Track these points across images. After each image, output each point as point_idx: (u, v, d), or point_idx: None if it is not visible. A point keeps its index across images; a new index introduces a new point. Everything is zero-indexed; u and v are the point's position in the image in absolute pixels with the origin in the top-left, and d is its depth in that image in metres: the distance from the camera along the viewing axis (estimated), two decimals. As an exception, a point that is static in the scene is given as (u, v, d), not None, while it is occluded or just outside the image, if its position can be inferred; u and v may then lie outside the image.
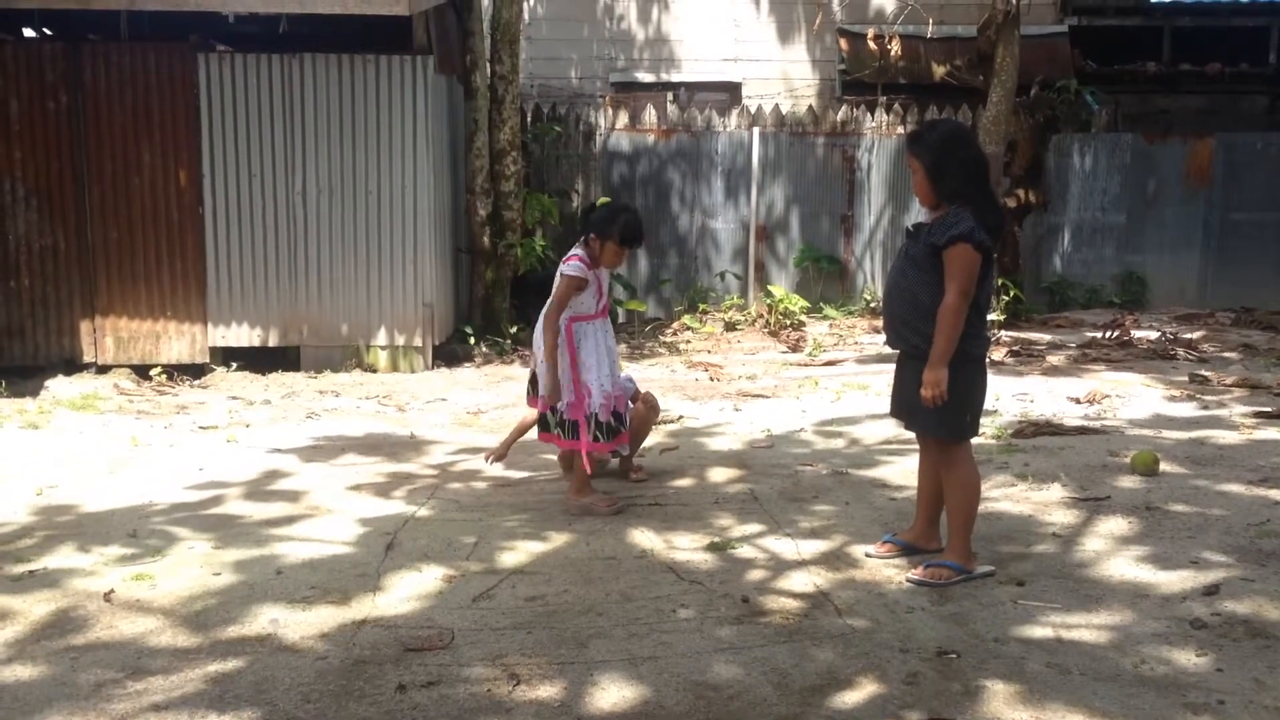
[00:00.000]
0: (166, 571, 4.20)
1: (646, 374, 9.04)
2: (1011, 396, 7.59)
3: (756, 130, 12.62)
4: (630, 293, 12.12)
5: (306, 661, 3.38)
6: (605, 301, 5.10)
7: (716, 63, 14.93)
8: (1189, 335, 10.51)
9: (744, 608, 3.82)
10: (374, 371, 9.41)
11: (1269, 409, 6.91)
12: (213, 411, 7.70)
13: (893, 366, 4.34)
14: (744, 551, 4.42)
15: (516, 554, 4.40)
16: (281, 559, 4.35)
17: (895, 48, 13.40)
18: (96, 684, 3.24)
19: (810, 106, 13.28)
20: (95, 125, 9.10)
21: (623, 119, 12.67)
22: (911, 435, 4.48)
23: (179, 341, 9.34)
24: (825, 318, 12.12)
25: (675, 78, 14.91)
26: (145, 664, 3.37)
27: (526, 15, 13.76)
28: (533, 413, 5.28)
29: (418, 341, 9.52)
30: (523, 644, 3.50)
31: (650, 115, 12.71)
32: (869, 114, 12.84)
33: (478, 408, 7.77)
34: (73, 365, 9.16)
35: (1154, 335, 10.38)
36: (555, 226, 11.83)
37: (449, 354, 10.03)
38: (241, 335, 9.37)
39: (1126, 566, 4.17)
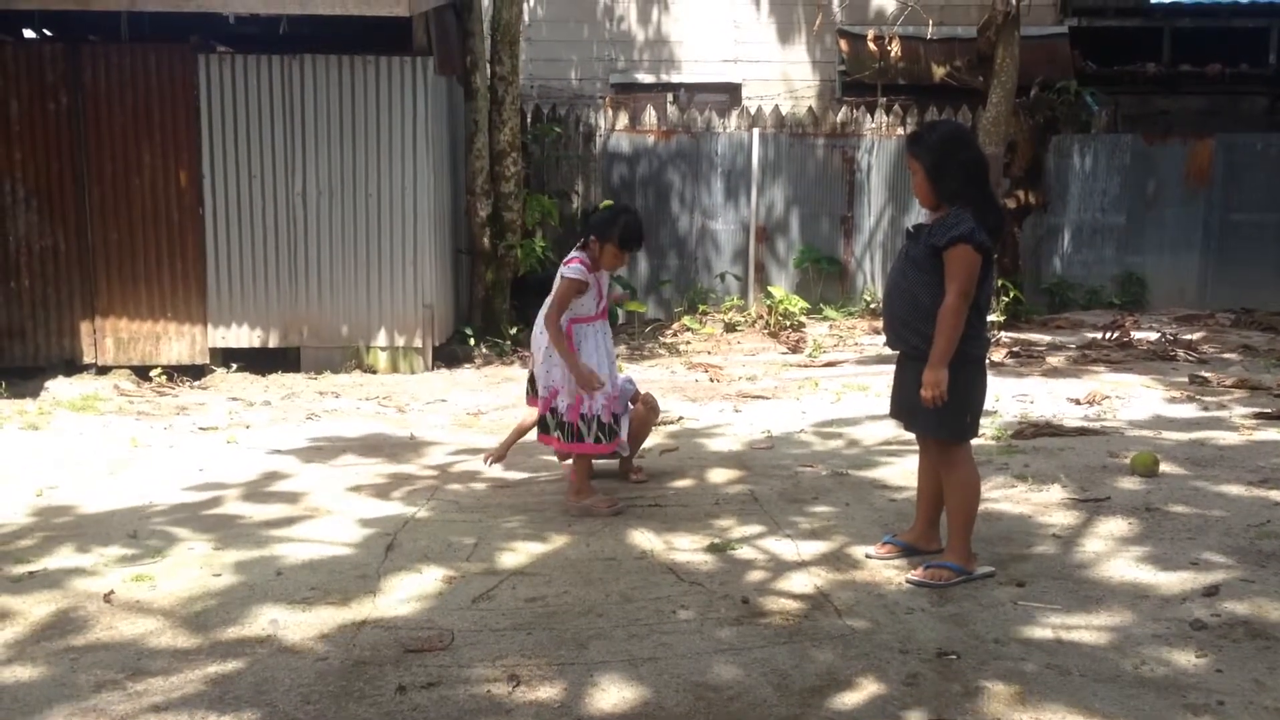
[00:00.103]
0: (166, 572, 4.20)
1: (646, 375, 9.04)
2: (1011, 397, 7.59)
3: (756, 131, 12.63)
4: (630, 293, 12.12)
5: (306, 662, 3.38)
6: (605, 304, 5.11)
7: (716, 64, 14.94)
8: (1189, 336, 10.51)
9: (744, 609, 3.82)
10: (374, 372, 9.41)
11: (1269, 410, 6.91)
12: (213, 412, 7.70)
13: (893, 367, 4.34)
14: (744, 552, 4.42)
15: (516, 555, 4.40)
16: (281, 560, 4.35)
17: (895, 49, 13.41)
18: (96, 685, 3.24)
19: (810, 107, 13.28)
20: (95, 126, 9.11)
21: (623, 120, 12.68)
22: (911, 436, 4.48)
23: (179, 342, 9.34)
24: (825, 319, 12.12)
25: (675, 79, 14.91)
26: (145, 665, 3.37)
27: (526, 16, 13.76)
28: (532, 414, 5.28)
29: (418, 343, 9.52)
30: (523, 645, 3.51)
31: (650, 116, 12.72)
32: (869, 115, 12.85)
33: (478, 409, 7.77)
34: (73, 366, 9.16)
35: (1154, 336, 10.38)
36: (555, 228, 11.84)
37: (449, 355, 10.03)
38: (241, 336, 9.37)
39: (1126, 567, 4.17)
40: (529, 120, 12.25)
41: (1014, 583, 4.03)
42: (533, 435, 5.32)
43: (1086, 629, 3.61)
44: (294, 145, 9.26)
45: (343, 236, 9.35)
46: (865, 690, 3.18)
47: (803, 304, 11.97)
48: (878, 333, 10.96)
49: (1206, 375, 8.28)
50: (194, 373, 9.30)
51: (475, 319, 10.72)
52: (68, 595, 3.96)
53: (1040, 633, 3.59)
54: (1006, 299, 11.29)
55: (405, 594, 3.97)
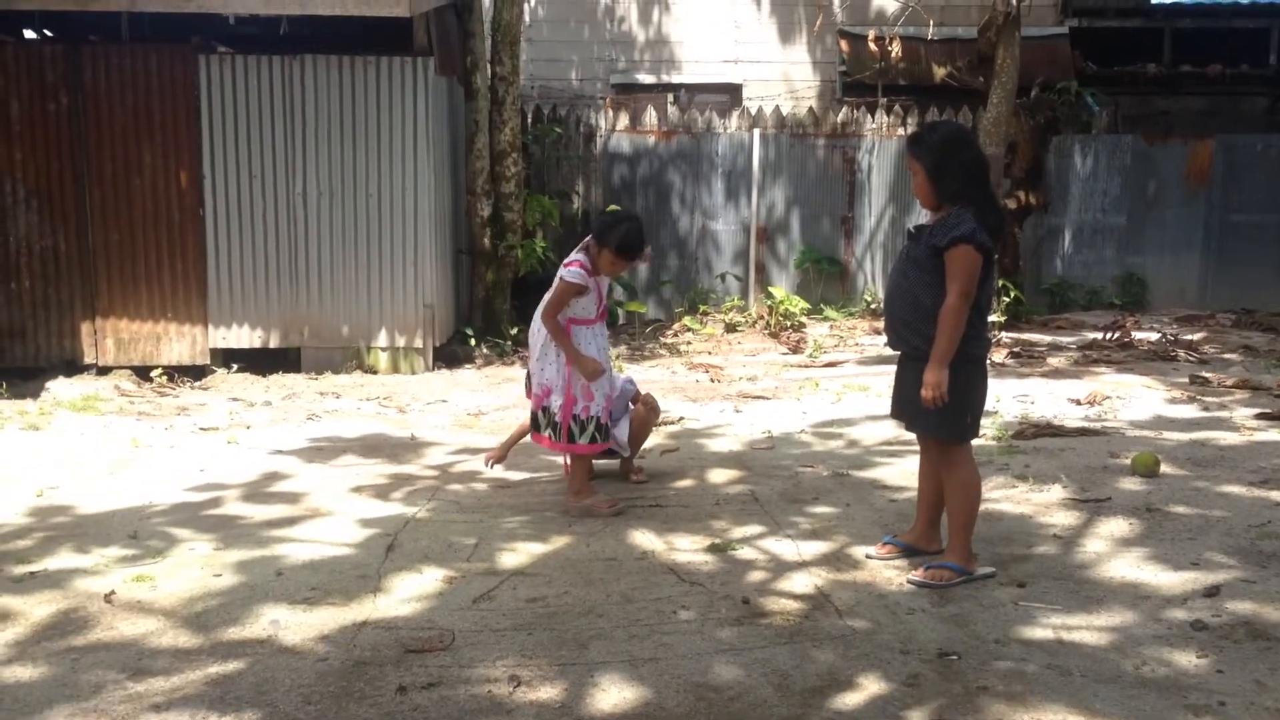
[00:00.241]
0: (167, 573, 4.20)
1: (647, 375, 9.04)
2: (1012, 398, 7.59)
3: (757, 132, 12.63)
4: (630, 294, 12.12)
5: (307, 663, 3.38)
6: (604, 307, 5.11)
7: (717, 64, 14.94)
8: (1189, 337, 10.51)
9: (745, 609, 3.82)
10: (374, 373, 9.41)
11: (1270, 410, 6.91)
12: (213, 413, 7.70)
13: (893, 368, 4.34)
14: (744, 553, 4.42)
15: (517, 555, 4.40)
16: (282, 560, 4.35)
17: (896, 49, 13.41)
18: (97, 685, 3.24)
19: (811, 108, 13.28)
20: (96, 127, 9.11)
21: (623, 120, 12.68)
22: (912, 436, 4.48)
23: (180, 343, 9.35)
24: (826, 319, 12.12)
25: (676, 79, 14.92)
26: (146, 665, 3.37)
27: (527, 17, 13.76)
28: None
29: (418, 343, 9.52)
30: (523, 645, 3.50)
31: (651, 117, 12.72)
32: (869, 115, 12.85)
33: (478, 409, 7.77)
34: (73, 367, 9.16)
35: (1154, 337, 10.38)
36: (556, 228, 11.84)
37: (449, 355, 10.03)
38: (242, 337, 9.37)
39: (1127, 568, 4.17)
40: (529, 120, 12.25)
41: (1015, 583, 4.03)
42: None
43: (1087, 629, 3.61)
44: (294, 146, 9.26)
45: (343, 237, 9.36)
46: (866, 691, 3.18)
47: (803, 304, 11.97)
48: (878, 333, 10.96)
49: (1207, 376, 8.28)
50: (195, 373, 9.31)
51: (476, 319, 10.72)
52: (69, 595, 3.96)
53: (1041, 633, 3.59)
54: (1007, 299, 11.29)
55: (406, 594, 3.97)
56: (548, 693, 3.18)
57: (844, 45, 14.33)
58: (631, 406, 5.48)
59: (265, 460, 6.13)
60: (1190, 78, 14.62)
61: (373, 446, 6.53)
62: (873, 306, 12.31)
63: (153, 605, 3.87)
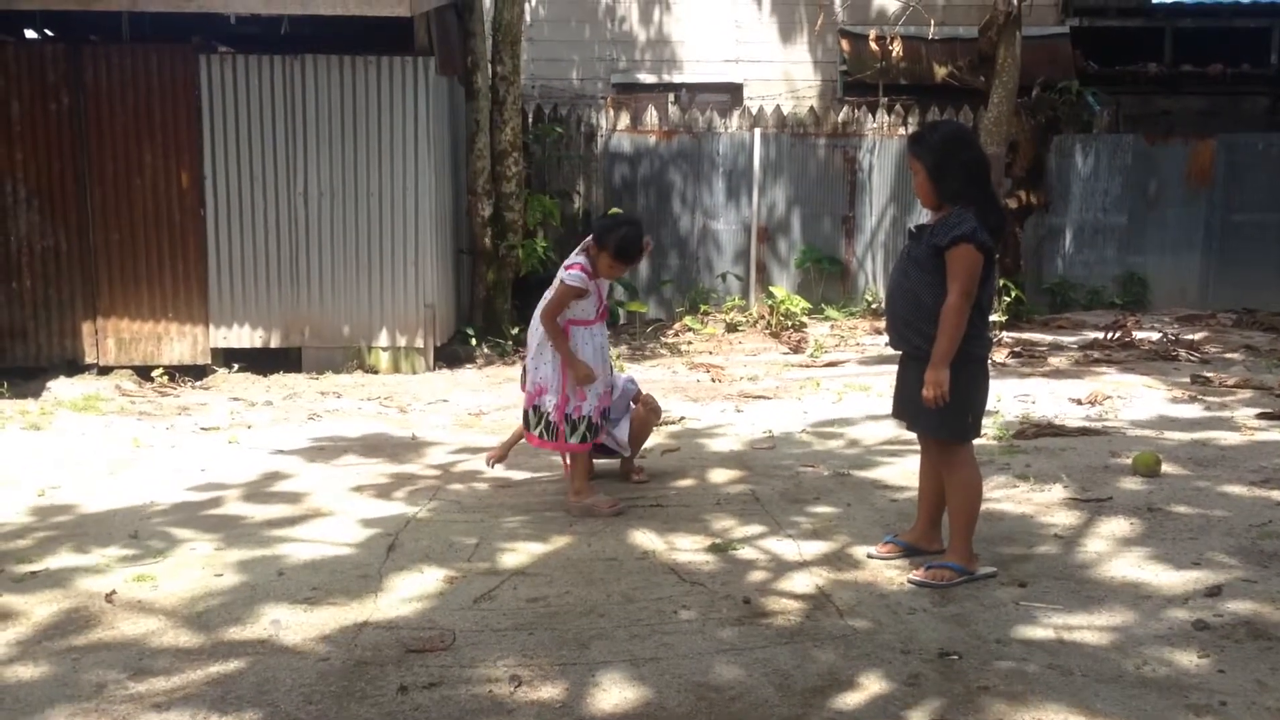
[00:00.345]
0: (168, 572, 4.21)
1: (648, 375, 9.04)
2: (1013, 397, 7.59)
3: (758, 131, 12.62)
4: (631, 294, 12.12)
5: (308, 663, 3.39)
6: (604, 308, 5.11)
7: (718, 64, 14.94)
8: (1191, 336, 10.50)
9: (745, 609, 3.81)
10: (375, 373, 9.41)
11: (1271, 410, 6.91)
12: (214, 413, 7.70)
13: (894, 367, 4.34)
14: (745, 553, 4.42)
15: (518, 555, 4.40)
16: (283, 560, 4.35)
17: (897, 49, 13.41)
18: (98, 684, 3.24)
19: (812, 107, 13.28)
20: (97, 126, 9.12)
21: (624, 120, 12.68)
22: (913, 436, 4.48)
23: (181, 343, 9.35)
24: (827, 319, 12.12)
25: (677, 79, 14.91)
26: (147, 665, 3.37)
27: (528, 16, 13.77)
28: None
29: (419, 343, 9.53)
30: (524, 645, 3.51)
31: (652, 116, 12.72)
32: (870, 115, 12.85)
33: (479, 409, 7.77)
34: (75, 366, 9.17)
35: (1156, 336, 10.37)
36: (557, 228, 11.84)
37: (450, 355, 10.03)
38: (243, 337, 9.38)
39: (1128, 568, 4.17)
40: (530, 120, 12.25)
41: (1016, 583, 4.03)
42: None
43: (1088, 629, 3.61)
44: (295, 146, 9.26)
45: (344, 237, 9.36)
46: (867, 690, 3.18)
47: (804, 304, 11.97)
48: (879, 333, 10.96)
49: (1208, 375, 8.27)
50: (195, 373, 9.31)
51: (477, 319, 10.72)
52: (70, 595, 3.96)
53: (1042, 633, 3.58)
54: (1008, 299, 11.29)
55: (407, 594, 3.97)
56: (549, 692, 3.18)
57: (845, 45, 14.32)
58: (632, 406, 5.48)
59: (266, 460, 6.13)
60: (1191, 77, 14.61)
61: (374, 446, 6.53)
62: (874, 306, 12.30)
63: (154, 605, 3.87)
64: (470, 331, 10.42)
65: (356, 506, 5.16)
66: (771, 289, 12.32)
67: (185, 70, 9.15)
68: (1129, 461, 5.56)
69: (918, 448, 4.44)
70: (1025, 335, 10.93)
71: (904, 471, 5.58)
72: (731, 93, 14.83)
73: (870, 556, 4.32)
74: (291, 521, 4.93)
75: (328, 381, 9.02)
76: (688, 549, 4.47)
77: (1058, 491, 5.18)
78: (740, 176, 12.69)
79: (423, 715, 3.05)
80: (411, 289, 9.47)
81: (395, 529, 4.75)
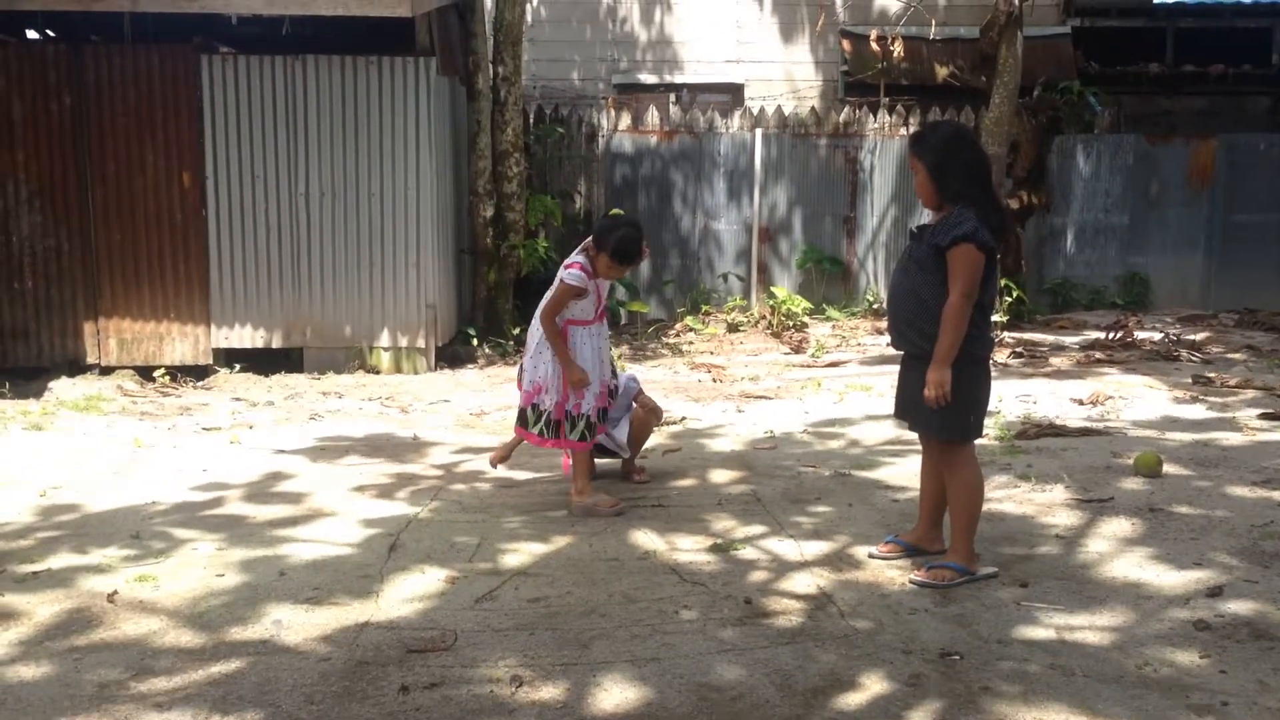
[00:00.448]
0: (170, 572, 4.21)
1: (649, 375, 9.03)
2: (1014, 398, 7.58)
3: (759, 131, 12.62)
4: (632, 294, 12.12)
5: (309, 663, 3.39)
6: (604, 307, 5.11)
7: (719, 64, 14.93)
8: (1192, 336, 10.49)
9: (747, 609, 3.82)
10: (377, 373, 9.42)
11: (1273, 410, 6.90)
12: (216, 413, 7.71)
13: (895, 368, 4.34)
14: (746, 553, 4.42)
15: (519, 555, 4.41)
16: (285, 560, 4.36)
17: (898, 49, 13.40)
18: (100, 684, 3.24)
19: (813, 108, 13.27)
20: (98, 127, 9.12)
21: (625, 120, 12.68)
22: (914, 436, 4.48)
23: (182, 343, 9.35)
24: (828, 319, 12.11)
25: (678, 79, 14.91)
26: (149, 665, 3.38)
27: (529, 17, 13.76)
28: None
29: (420, 343, 9.53)
30: (525, 645, 3.51)
31: (653, 116, 12.72)
32: (871, 115, 12.84)
33: (480, 409, 7.78)
34: (76, 367, 9.17)
35: (1157, 336, 10.37)
36: (558, 228, 11.84)
37: (452, 355, 10.03)
38: (244, 337, 9.38)
39: (1130, 568, 4.17)
40: (531, 121, 12.25)
41: (1017, 583, 4.03)
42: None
43: (1090, 629, 3.61)
44: (297, 146, 9.27)
45: (345, 237, 9.36)
46: (868, 691, 3.18)
47: (805, 304, 11.96)
48: (880, 333, 10.96)
49: (1210, 376, 8.27)
50: (197, 373, 9.31)
51: (478, 319, 10.73)
52: (72, 595, 3.96)
53: (1043, 633, 3.58)
54: (1010, 299, 11.28)
55: (408, 594, 3.97)
56: (550, 692, 3.18)
57: (846, 45, 14.31)
58: (633, 406, 5.47)
59: (268, 460, 6.13)
60: (1192, 77, 14.59)
61: (375, 446, 6.54)
62: (875, 306, 12.30)
63: (155, 605, 3.87)
64: (471, 332, 10.42)
65: (358, 507, 5.16)
66: (773, 289, 12.32)
67: (187, 70, 9.15)
68: (1130, 462, 5.56)
69: (919, 448, 4.44)
70: (1027, 335, 10.93)
71: (905, 472, 5.58)
72: (733, 93, 14.83)
73: (871, 556, 4.32)
74: (293, 522, 4.93)
75: (329, 382, 9.03)
76: (689, 549, 4.47)
77: (1059, 492, 5.18)
78: (741, 177, 12.69)
79: (424, 715, 3.05)
80: (413, 289, 9.47)
81: (397, 529, 4.75)
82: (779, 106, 13.14)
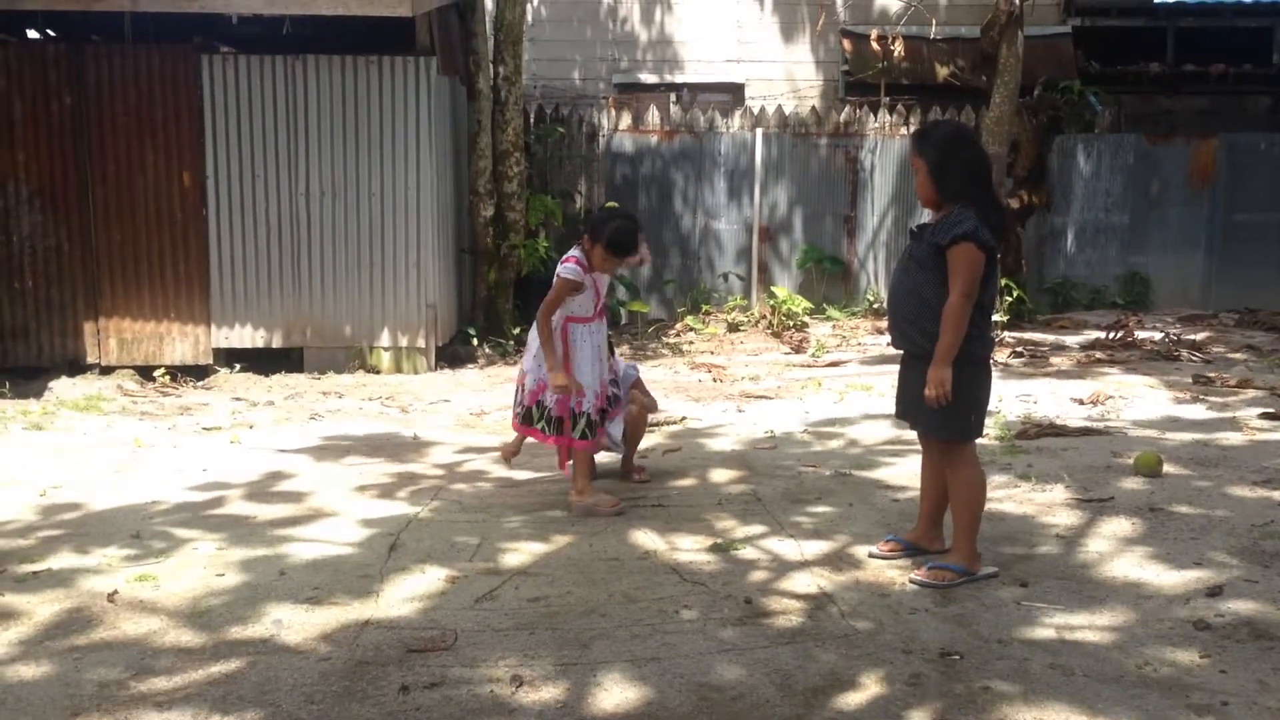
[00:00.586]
0: (170, 572, 4.21)
1: (650, 375, 9.00)
2: (1014, 397, 7.58)
3: (759, 131, 12.62)
4: (632, 293, 12.12)
5: (310, 662, 3.39)
6: (603, 304, 5.11)
7: (719, 64, 14.93)
8: (1193, 336, 10.49)
9: (747, 609, 3.82)
10: (377, 373, 9.42)
11: (1273, 410, 6.90)
12: (216, 413, 7.71)
13: (896, 367, 4.34)
14: (747, 553, 4.42)
15: (519, 555, 4.41)
16: (285, 560, 4.36)
17: (898, 48, 13.38)
18: (100, 684, 3.24)
19: (813, 107, 13.27)
20: (99, 127, 9.12)
21: (626, 120, 12.68)
22: (914, 436, 4.48)
23: (182, 343, 9.35)
24: (828, 319, 12.11)
25: (678, 79, 14.91)
26: (149, 664, 3.38)
27: (530, 16, 13.76)
28: None
29: (421, 343, 9.53)
30: (526, 645, 3.51)
31: (653, 116, 12.72)
32: (872, 115, 12.84)
33: (481, 409, 7.78)
34: (76, 366, 9.18)
35: (1158, 336, 10.37)
36: (558, 228, 11.84)
37: (452, 355, 10.04)
38: (245, 337, 9.38)
39: (1130, 568, 4.17)
40: (532, 120, 12.25)
41: (1017, 583, 4.03)
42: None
43: (1090, 629, 3.61)
44: (297, 146, 9.27)
45: (346, 237, 9.36)
46: (868, 690, 3.18)
47: (806, 304, 11.96)
48: (881, 333, 10.96)
49: (1211, 375, 8.27)
50: (197, 373, 9.32)
51: (478, 319, 10.73)
52: (72, 595, 3.96)
53: (1043, 633, 3.58)
54: (1010, 299, 11.28)
55: (408, 594, 3.97)
56: (550, 692, 3.18)
57: (846, 44, 14.31)
58: (633, 394, 5.45)
59: (268, 460, 6.13)
60: (1193, 77, 14.58)
61: (375, 446, 6.54)
62: (875, 306, 12.30)
63: (156, 605, 3.87)
64: (472, 331, 10.42)
65: (358, 506, 5.16)
66: (773, 289, 12.32)
67: (187, 70, 9.15)
68: (1131, 462, 5.56)
69: (919, 448, 4.44)
70: (1027, 335, 10.92)
71: (905, 471, 5.58)
72: (733, 92, 14.83)
73: (872, 556, 4.32)
74: (293, 521, 4.93)
75: (329, 381, 9.03)
76: (689, 549, 4.47)
77: (1059, 492, 5.18)
78: (742, 176, 12.69)
79: (424, 715, 3.05)
80: (413, 289, 9.47)
81: (397, 529, 4.75)
82: (779, 106, 13.14)
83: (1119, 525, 4.66)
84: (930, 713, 3.04)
